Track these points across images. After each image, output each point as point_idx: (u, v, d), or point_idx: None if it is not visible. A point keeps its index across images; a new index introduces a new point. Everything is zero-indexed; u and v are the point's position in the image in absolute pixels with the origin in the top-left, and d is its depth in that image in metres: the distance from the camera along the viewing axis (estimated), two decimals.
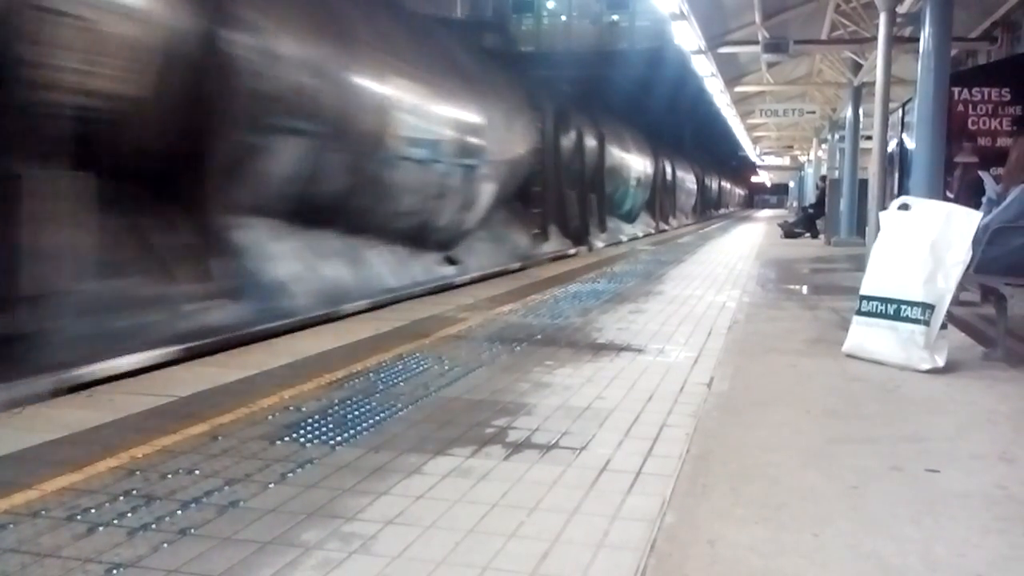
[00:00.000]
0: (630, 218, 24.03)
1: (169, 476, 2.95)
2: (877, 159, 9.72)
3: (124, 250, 5.81)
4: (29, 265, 4.91)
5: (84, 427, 3.56)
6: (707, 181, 44.98)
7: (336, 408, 3.90)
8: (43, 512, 2.62)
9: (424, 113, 9.91)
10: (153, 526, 2.51)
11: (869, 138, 12.39)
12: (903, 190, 11.19)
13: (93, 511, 2.63)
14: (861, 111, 18.09)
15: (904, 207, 5.15)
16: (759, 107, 25.27)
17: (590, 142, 18.59)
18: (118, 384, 4.47)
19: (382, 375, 4.63)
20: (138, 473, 2.98)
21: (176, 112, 6.21)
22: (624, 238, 21.40)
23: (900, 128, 12.99)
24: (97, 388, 4.36)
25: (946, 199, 7.88)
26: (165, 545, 2.38)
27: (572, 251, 16.64)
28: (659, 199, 27.65)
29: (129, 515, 2.60)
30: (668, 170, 29.74)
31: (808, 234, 21.08)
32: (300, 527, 2.51)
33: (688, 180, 36.21)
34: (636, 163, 23.58)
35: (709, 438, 3.48)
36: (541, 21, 34.98)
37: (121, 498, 2.74)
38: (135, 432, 3.48)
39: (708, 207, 45.78)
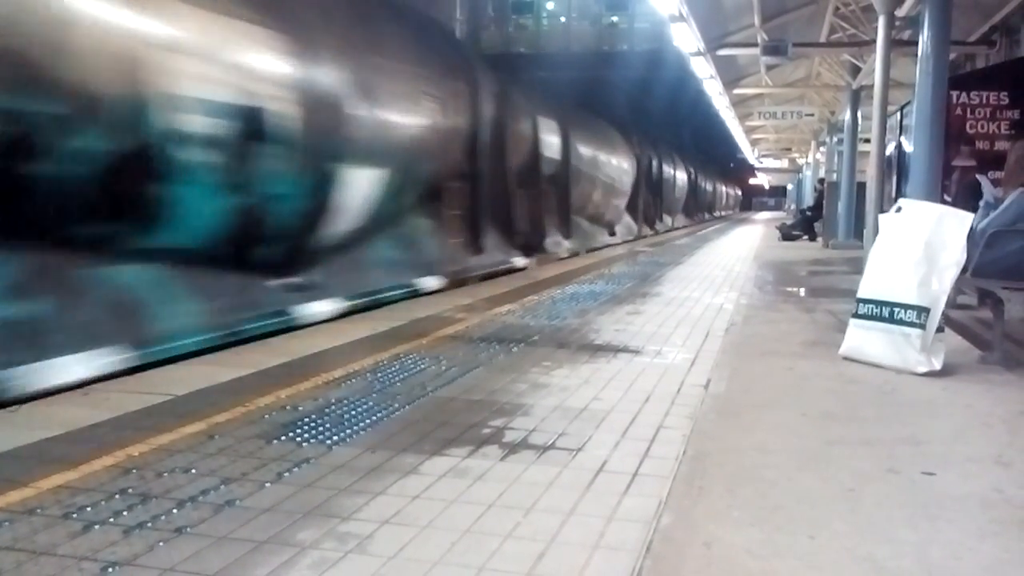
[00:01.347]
0: (363, 259, 9.20)
1: (165, 474, 2.95)
2: (875, 162, 9.74)
3: None
4: None
5: (80, 425, 3.55)
6: (667, 172, 31.27)
7: (333, 408, 3.89)
8: (39, 510, 2.62)
9: None
10: (149, 524, 2.51)
11: (867, 141, 12.40)
12: (901, 193, 11.21)
13: (89, 509, 2.63)
14: (859, 114, 18.11)
15: (901, 210, 5.16)
16: (758, 109, 25.31)
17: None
18: (115, 382, 4.47)
19: (379, 375, 4.63)
20: (134, 471, 2.98)
21: None
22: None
23: (898, 131, 13.00)
24: (93, 387, 4.36)
25: (944, 202, 7.90)
26: (161, 544, 2.38)
27: None
28: (510, 199, 13.77)
29: (125, 513, 2.59)
30: (571, 146, 16.87)
31: (806, 237, 21.11)
32: (296, 526, 2.51)
33: (614, 167, 21.42)
34: (399, 107, 9.39)
35: (706, 440, 3.48)
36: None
37: (117, 496, 2.74)
38: (131, 430, 3.47)
39: (668, 211, 32.01)
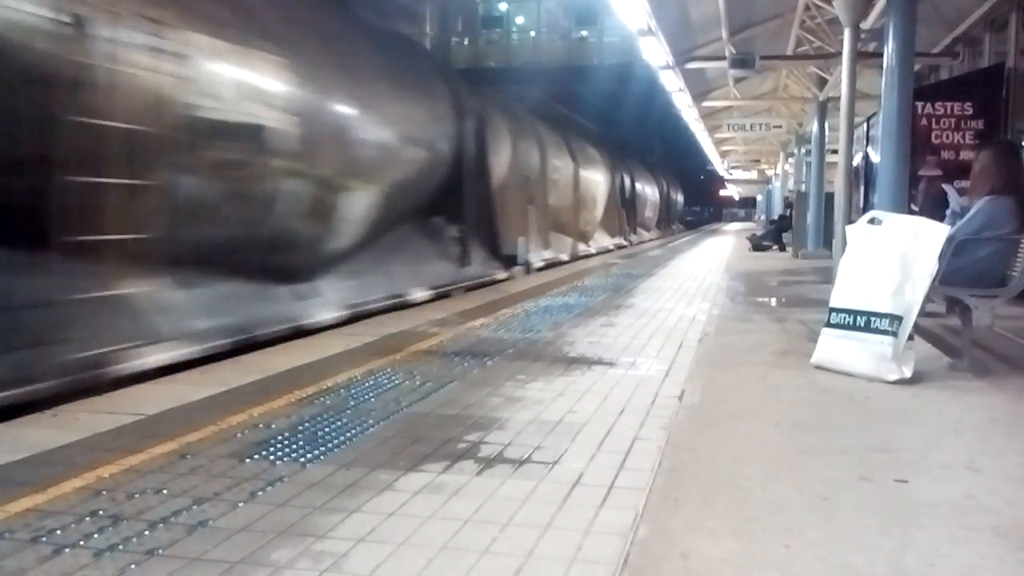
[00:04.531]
0: None
1: (136, 496, 2.91)
2: (843, 173, 9.84)
3: None
4: None
5: (49, 447, 3.50)
6: (640, 186, 31.35)
7: (306, 425, 3.86)
8: (7, 534, 2.57)
9: None
10: (120, 547, 2.47)
11: (835, 152, 12.56)
12: (869, 203, 11.35)
13: (58, 532, 2.58)
14: (827, 125, 18.35)
15: (873, 221, 5.21)
16: (726, 122, 25.54)
17: None
18: (84, 403, 4.41)
19: (353, 391, 4.60)
20: (104, 493, 2.94)
21: None
22: None
23: (865, 142, 13.19)
24: (63, 407, 4.29)
25: (911, 212, 8.00)
26: (132, 566, 2.34)
27: None
28: (493, 215, 14.58)
29: (95, 536, 2.55)
30: (548, 162, 17.72)
31: (776, 247, 21.29)
32: (270, 546, 2.48)
33: (590, 181, 22.39)
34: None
35: (681, 451, 3.49)
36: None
37: (87, 519, 2.69)
38: (101, 451, 3.43)
39: (642, 224, 31.69)
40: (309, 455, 3.39)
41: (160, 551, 2.44)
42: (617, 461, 3.32)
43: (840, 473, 3.19)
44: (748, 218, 73.68)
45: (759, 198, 61.89)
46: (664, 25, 12.15)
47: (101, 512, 2.75)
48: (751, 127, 25.01)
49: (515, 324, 7.33)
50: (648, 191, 34.56)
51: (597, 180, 23.16)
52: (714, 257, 18.74)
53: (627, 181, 29.01)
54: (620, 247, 25.14)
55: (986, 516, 2.75)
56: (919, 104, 10.39)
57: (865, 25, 10.03)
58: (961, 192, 5.94)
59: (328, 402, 4.34)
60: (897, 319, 4.77)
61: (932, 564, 2.38)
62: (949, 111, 10.85)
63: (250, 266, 7.91)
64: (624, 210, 27.97)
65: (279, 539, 2.53)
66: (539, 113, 19.09)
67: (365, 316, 8.62)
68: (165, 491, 2.96)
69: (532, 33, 35.84)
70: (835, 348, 5.10)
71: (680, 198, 52.79)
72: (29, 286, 5.46)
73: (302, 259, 8.85)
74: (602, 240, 24.28)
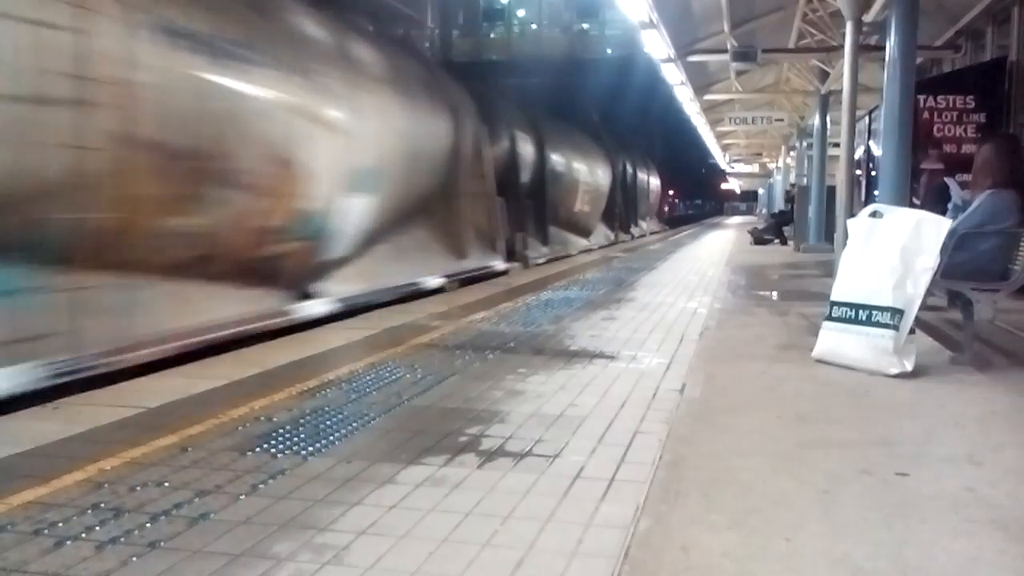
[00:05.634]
0: None
1: (138, 489, 2.91)
2: (844, 166, 9.83)
3: None
4: None
5: (51, 440, 3.50)
6: (562, 168, 19.49)
7: (308, 418, 3.87)
8: (9, 527, 2.58)
9: None
10: (122, 539, 2.48)
11: (837, 145, 12.54)
12: (870, 197, 11.34)
13: (60, 525, 2.59)
14: (828, 118, 18.31)
15: (874, 215, 5.20)
16: (728, 115, 25.50)
17: None
18: (86, 396, 4.41)
19: (354, 384, 4.60)
20: (106, 486, 2.94)
21: None
22: None
23: (867, 135, 13.16)
24: (64, 400, 4.30)
25: (912, 205, 8.00)
26: (134, 559, 2.35)
27: None
28: None
29: (97, 529, 2.56)
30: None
31: (777, 240, 21.28)
32: (272, 539, 2.49)
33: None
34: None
35: (682, 444, 3.49)
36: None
37: (89, 511, 2.70)
38: (103, 444, 3.43)
39: (573, 225, 20.76)
40: (310, 448, 3.39)
41: (162, 544, 2.45)
42: (618, 454, 3.32)
43: (841, 466, 3.19)
44: (750, 211, 73.64)
45: (760, 191, 61.78)
46: (665, 18, 12.12)
47: (103, 505, 2.76)
48: (753, 120, 24.99)
49: (516, 317, 7.32)
50: (585, 171, 22.19)
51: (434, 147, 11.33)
52: (715, 250, 18.74)
53: (548, 155, 18.40)
54: (489, 274, 13.15)
55: (986, 509, 2.75)
56: (921, 97, 10.38)
57: (867, 18, 9.99)
58: (963, 186, 5.93)
59: (329, 395, 4.35)
60: (898, 313, 4.77)
61: (932, 557, 2.38)
62: (951, 104, 10.84)
63: None
64: (520, 201, 16.76)
65: (281, 532, 2.54)
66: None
67: None
68: (166, 484, 2.97)
69: (533, 26, 35.81)
70: (836, 342, 5.09)
71: (657, 184, 39.71)
72: None
73: None
74: (483, 255, 13.38)
